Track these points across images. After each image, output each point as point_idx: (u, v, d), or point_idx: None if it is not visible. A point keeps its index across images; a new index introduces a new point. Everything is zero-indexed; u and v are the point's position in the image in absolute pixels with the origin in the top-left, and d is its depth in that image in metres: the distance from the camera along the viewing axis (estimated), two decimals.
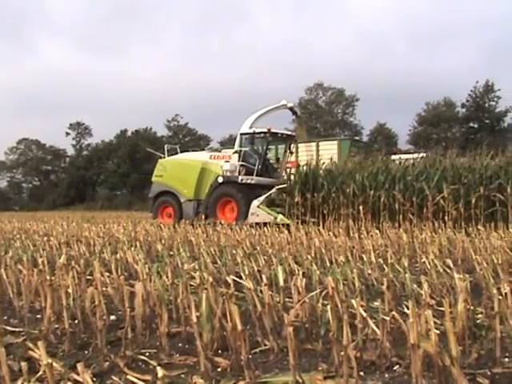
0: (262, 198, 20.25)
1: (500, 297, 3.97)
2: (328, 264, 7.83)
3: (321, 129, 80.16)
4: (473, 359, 3.80)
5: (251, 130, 22.04)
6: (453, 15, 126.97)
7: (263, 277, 4.99)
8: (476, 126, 72.77)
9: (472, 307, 4.67)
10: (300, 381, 3.21)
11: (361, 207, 18.33)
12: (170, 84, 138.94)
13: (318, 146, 25.01)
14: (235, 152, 22.06)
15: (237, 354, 3.64)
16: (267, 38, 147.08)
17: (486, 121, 72.20)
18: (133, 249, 9.39)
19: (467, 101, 74.27)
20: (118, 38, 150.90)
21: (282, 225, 16.77)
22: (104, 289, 5.99)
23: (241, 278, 6.12)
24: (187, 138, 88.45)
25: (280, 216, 19.36)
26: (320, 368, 3.67)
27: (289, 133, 24.03)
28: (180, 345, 4.39)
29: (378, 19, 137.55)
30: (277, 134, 22.58)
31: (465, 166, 18.61)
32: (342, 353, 3.19)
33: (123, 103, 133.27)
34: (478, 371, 3.59)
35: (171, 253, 9.63)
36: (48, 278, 5.11)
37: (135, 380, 3.56)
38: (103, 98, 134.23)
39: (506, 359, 3.76)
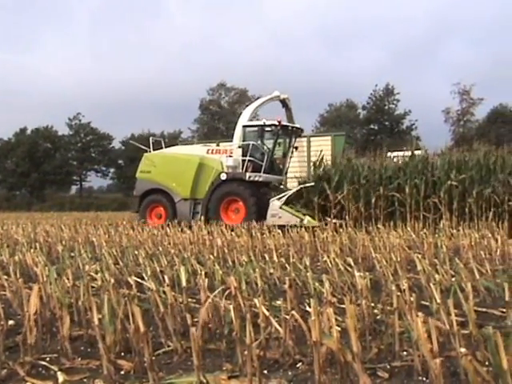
0: (284, 197, 18.58)
1: (399, 293, 4.08)
2: (231, 264, 7.86)
3: (223, 129, 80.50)
4: (373, 354, 3.90)
5: (260, 122, 20.41)
6: (360, 16, 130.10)
7: (166, 277, 4.98)
8: (376, 127, 74.92)
9: (372, 304, 4.79)
10: (204, 381, 3.20)
11: None
12: (74, 80, 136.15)
13: (309, 141, 23.33)
14: (239, 146, 20.32)
15: (140, 356, 3.61)
16: (180, 35, 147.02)
17: (386, 123, 74.51)
18: (32, 250, 9.16)
19: (368, 103, 76.40)
20: (19, 30, 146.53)
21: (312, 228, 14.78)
22: (2, 292, 5.83)
23: (143, 278, 6.09)
24: (89, 137, 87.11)
25: (307, 218, 17.69)
26: (224, 368, 3.68)
27: (298, 126, 22.00)
28: (82, 348, 4.31)
29: (289, 19, 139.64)
30: (287, 126, 20.90)
31: (364, 167, 19.08)
32: (246, 352, 3.21)
33: (23, 100, 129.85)
34: (378, 365, 3.68)
35: (72, 254, 9.44)
36: None
37: None
38: (1, 94, 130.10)
39: (405, 353, 3.87)
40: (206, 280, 5.05)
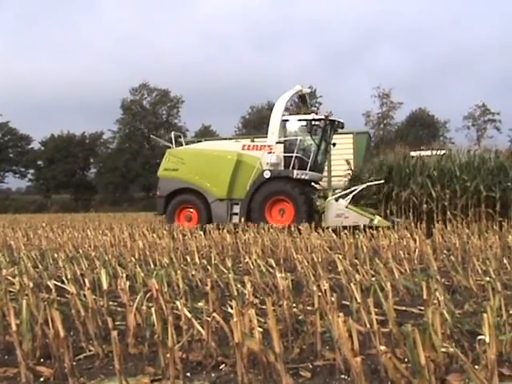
0: (350, 196, 17.06)
1: (320, 293, 4.12)
2: (152, 266, 7.81)
3: (145, 130, 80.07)
4: (295, 354, 3.93)
5: (309, 117, 18.65)
6: (292, 18, 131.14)
7: (86, 281, 4.90)
8: None
9: (294, 304, 4.83)
10: None
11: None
12: None
13: None
14: (280, 142, 18.44)
15: (60, 362, 3.55)
16: (108, 33, 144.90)
17: None
18: None
19: (291, 105, 77.07)
20: None
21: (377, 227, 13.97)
22: None
23: (63, 282, 5.98)
24: (7, 138, 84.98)
25: (377, 217, 16.39)
26: (146, 371, 3.66)
27: (341, 120, 19.97)
28: None
29: (221, 19, 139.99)
30: (334, 121, 19.34)
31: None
32: (168, 355, 3.19)
33: None
34: (300, 365, 3.72)
35: None
36: None
37: None
38: None
39: (326, 352, 3.91)
40: (128, 283, 5.00)
